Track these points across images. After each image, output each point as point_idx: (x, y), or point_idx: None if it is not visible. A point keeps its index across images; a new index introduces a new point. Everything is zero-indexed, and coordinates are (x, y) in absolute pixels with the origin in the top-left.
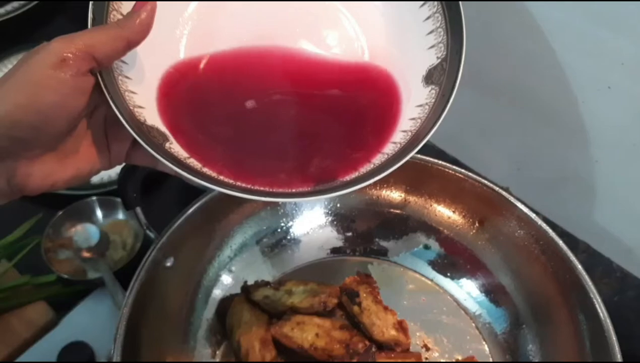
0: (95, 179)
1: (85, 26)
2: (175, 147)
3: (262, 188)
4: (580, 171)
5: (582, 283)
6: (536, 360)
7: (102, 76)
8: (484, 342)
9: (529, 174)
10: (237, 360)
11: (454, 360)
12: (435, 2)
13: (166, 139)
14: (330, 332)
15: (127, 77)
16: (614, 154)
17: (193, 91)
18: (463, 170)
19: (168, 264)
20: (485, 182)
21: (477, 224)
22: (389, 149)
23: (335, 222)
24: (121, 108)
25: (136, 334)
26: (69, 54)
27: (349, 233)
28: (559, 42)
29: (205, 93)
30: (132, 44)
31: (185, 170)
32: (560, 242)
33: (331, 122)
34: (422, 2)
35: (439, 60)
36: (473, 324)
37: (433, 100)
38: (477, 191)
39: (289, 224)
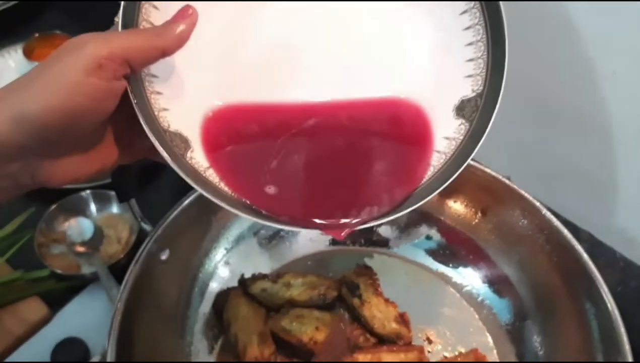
0: None
1: (76, 19)
2: (196, 156)
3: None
4: (583, 162)
5: (588, 272)
6: (542, 352)
7: (128, 78)
8: (487, 334)
9: (530, 164)
10: (234, 355)
11: (456, 353)
12: (479, 27)
13: (188, 147)
14: (331, 325)
15: (154, 76)
16: (618, 144)
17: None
18: None
19: (163, 257)
20: (488, 170)
21: (479, 214)
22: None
23: None
24: (144, 112)
25: (131, 329)
26: (105, 60)
27: None
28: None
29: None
30: (167, 53)
31: (199, 185)
32: (565, 231)
33: (363, 161)
34: (466, 27)
35: (474, 93)
36: (476, 316)
37: (461, 138)
38: (479, 180)
39: None
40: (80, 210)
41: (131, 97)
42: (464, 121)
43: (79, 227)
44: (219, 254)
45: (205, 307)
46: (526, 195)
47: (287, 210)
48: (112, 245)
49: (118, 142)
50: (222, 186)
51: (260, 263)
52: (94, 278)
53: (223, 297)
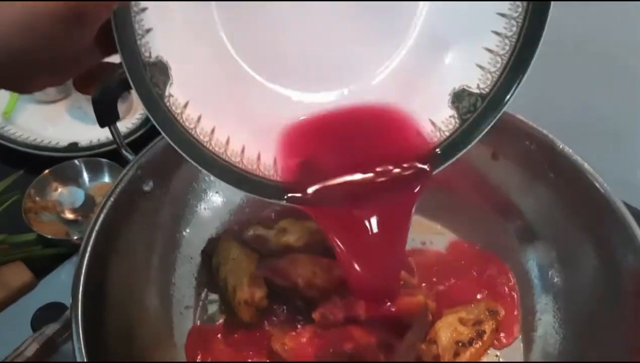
0: (83, 142)
1: None
2: (175, 91)
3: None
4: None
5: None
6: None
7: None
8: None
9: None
10: (222, 302)
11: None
12: (515, 22)
13: (167, 79)
14: (329, 270)
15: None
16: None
17: None
18: None
19: (146, 188)
20: None
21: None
22: None
23: None
24: (126, 44)
25: (104, 270)
26: None
27: None
28: None
29: None
30: None
31: (170, 132)
32: (575, 156)
33: None
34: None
35: (478, 91)
36: None
37: (447, 134)
38: None
39: None
40: (72, 178)
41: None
42: (455, 115)
43: (70, 196)
44: (208, 184)
45: (193, 250)
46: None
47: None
48: None
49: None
50: (198, 135)
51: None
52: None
53: (213, 242)
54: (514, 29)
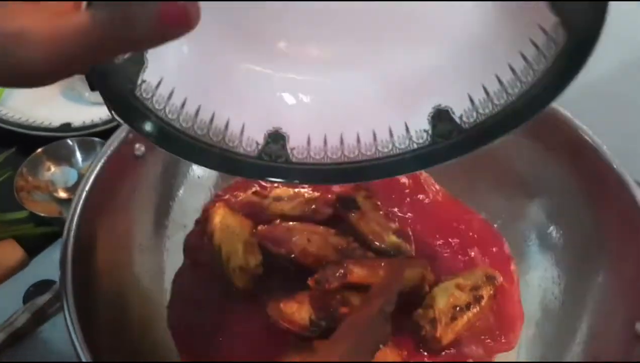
0: (76, 123)
1: None
2: (149, 76)
3: None
4: None
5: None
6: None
7: None
8: None
9: None
10: (215, 269)
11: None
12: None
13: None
14: (325, 238)
15: None
16: None
17: None
18: None
19: (138, 153)
20: None
21: None
22: None
23: None
24: None
25: (93, 234)
26: None
27: None
28: None
29: None
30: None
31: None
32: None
33: None
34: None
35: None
36: None
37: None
38: None
39: None
40: (65, 157)
41: None
42: (429, 132)
43: (63, 175)
44: None
45: (186, 218)
46: None
47: None
48: None
49: None
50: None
51: None
52: None
53: (208, 210)
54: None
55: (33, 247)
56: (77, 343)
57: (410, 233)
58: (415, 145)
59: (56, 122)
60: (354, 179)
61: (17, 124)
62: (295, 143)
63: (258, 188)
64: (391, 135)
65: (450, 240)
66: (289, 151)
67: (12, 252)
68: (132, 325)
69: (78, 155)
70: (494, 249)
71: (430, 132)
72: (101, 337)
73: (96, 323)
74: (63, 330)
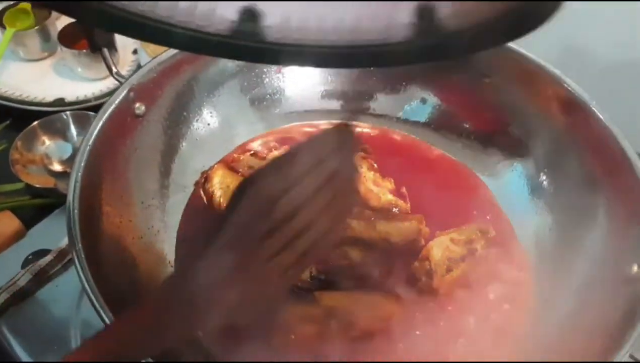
0: (69, 98)
1: None
2: None
3: None
4: None
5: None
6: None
7: None
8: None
9: None
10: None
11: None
12: None
13: None
14: None
15: None
16: None
17: None
18: None
19: (138, 112)
20: None
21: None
22: None
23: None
24: None
25: (97, 188)
26: None
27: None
28: None
29: None
30: None
31: None
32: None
33: None
34: None
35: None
36: None
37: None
38: None
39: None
40: (59, 131)
41: None
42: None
43: (58, 149)
44: (204, 111)
45: (186, 179)
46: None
47: None
48: None
49: None
50: None
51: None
52: None
53: (208, 172)
54: None
55: (29, 218)
56: (86, 286)
57: (405, 191)
58: (398, 39)
59: (50, 97)
60: (330, 64)
61: (10, 98)
62: (272, 21)
63: (256, 151)
64: (375, 22)
65: (444, 196)
66: (264, 30)
67: (9, 222)
68: (135, 277)
69: (73, 128)
70: (488, 203)
71: (416, 26)
72: (109, 282)
73: (102, 273)
74: (63, 293)
